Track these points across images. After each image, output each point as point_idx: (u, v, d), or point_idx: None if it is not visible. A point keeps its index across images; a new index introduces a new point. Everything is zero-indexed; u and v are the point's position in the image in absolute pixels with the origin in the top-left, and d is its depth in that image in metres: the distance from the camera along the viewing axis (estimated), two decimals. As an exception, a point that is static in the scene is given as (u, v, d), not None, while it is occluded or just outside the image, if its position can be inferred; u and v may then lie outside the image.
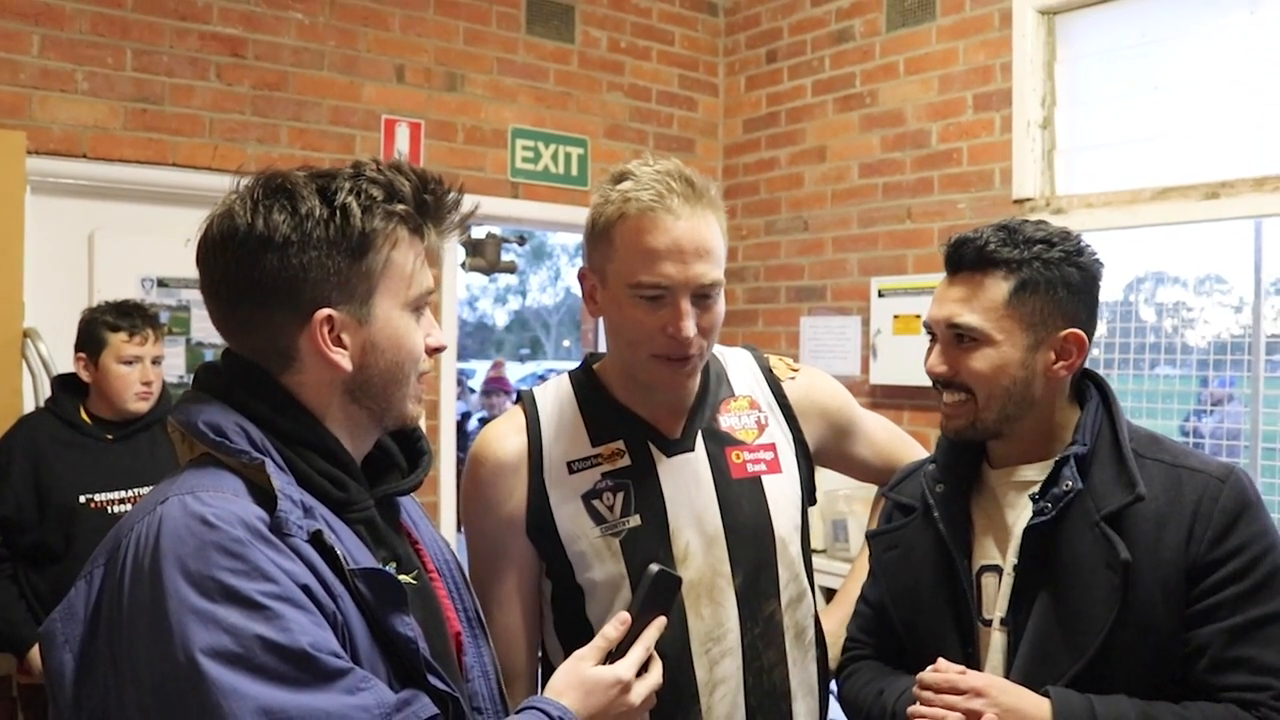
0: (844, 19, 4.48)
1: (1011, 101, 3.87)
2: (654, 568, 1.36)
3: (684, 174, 1.56)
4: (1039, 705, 1.37)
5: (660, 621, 1.35)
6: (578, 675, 1.27)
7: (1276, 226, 3.43)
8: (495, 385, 9.45)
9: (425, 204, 1.18)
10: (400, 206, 1.16)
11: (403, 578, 1.19)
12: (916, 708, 1.41)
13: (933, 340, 1.57)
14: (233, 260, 1.12)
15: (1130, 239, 3.75)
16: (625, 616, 1.33)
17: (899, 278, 4.21)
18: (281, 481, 1.08)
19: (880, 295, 4.24)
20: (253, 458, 1.09)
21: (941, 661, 1.43)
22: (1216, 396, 4.07)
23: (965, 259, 1.51)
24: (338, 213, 1.12)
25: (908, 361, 4.11)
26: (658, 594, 1.35)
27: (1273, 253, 3.49)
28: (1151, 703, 1.37)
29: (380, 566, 1.12)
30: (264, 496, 1.07)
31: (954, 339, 1.51)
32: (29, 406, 3.17)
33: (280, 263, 1.11)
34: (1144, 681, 1.39)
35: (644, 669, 1.33)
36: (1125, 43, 3.67)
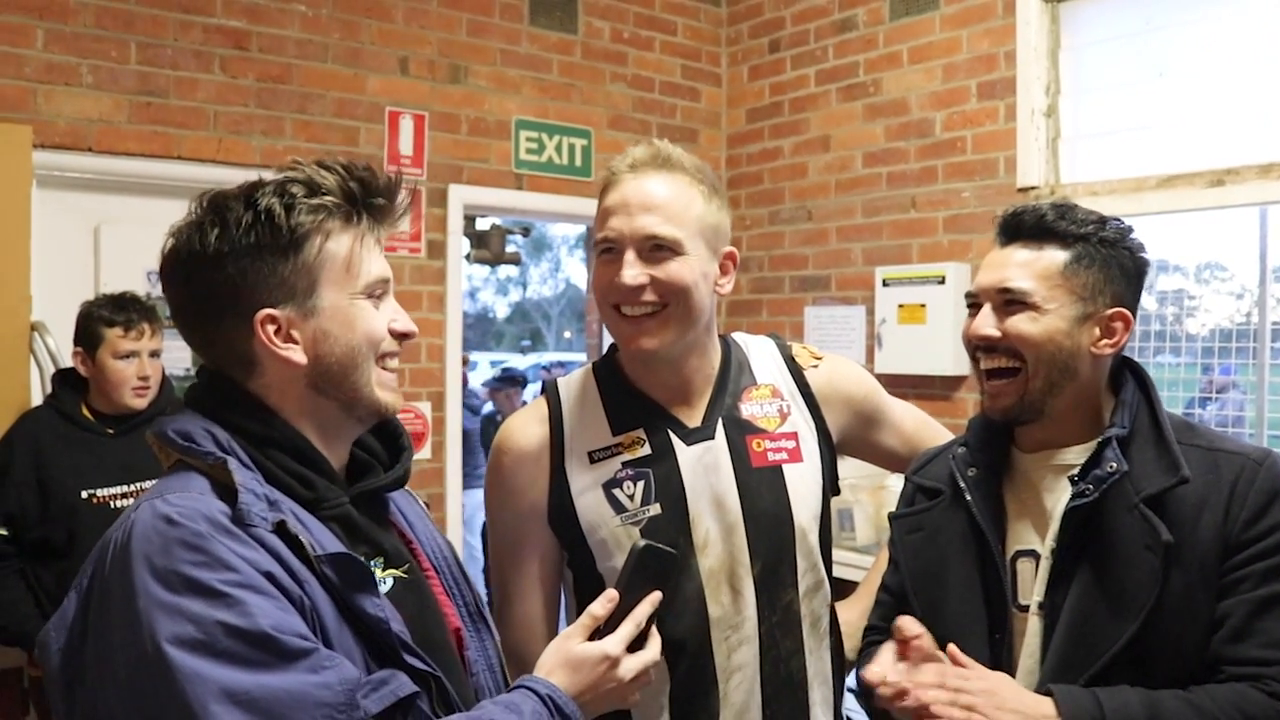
0: (847, 8, 4.47)
1: (1016, 89, 3.87)
2: (640, 543, 1.36)
3: (657, 146, 1.63)
4: (1039, 705, 1.36)
5: (654, 597, 1.34)
6: (564, 653, 1.28)
7: (1282, 214, 3.44)
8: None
9: (352, 192, 1.20)
10: (327, 199, 1.18)
11: (391, 572, 1.24)
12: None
13: (974, 310, 1.56)
14: (179, 282, 1.19)
15: (1134, 227, 3.74)
16: (612, 593, 1.33)
17: (903, 267, 4.21)
18: (243, 477, 1.12)
19: (885, 285, 4.24)
20: (217, 458, 1.13)
21: (953, 649, 1.43)
22: (1219, 384, 4.08)
23: (1024, 228, 1.53)
24: (262, 215, 1.16)
25: (913, 351, 4.12)
26: (646, 570, 1.34)
27: (1278, 239, 3.49)
28: (1157, 691, 1.36)
29: (345, 551, 1.14)
30: (229, 493, 1.11)
31: (1003, 304, 1.51)
32: (37, 400, 3.17)
33: (218, 275, 1.16)
34: (1181, 665, 1.38)
35: (641, 646, 1.33)
36: (1130, 30, 3.67)
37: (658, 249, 1.57)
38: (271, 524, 1.10)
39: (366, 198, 1.22)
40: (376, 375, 1.23)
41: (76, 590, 1.11)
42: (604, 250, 1.61)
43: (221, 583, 1.02)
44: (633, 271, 1.56)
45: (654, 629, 1.34)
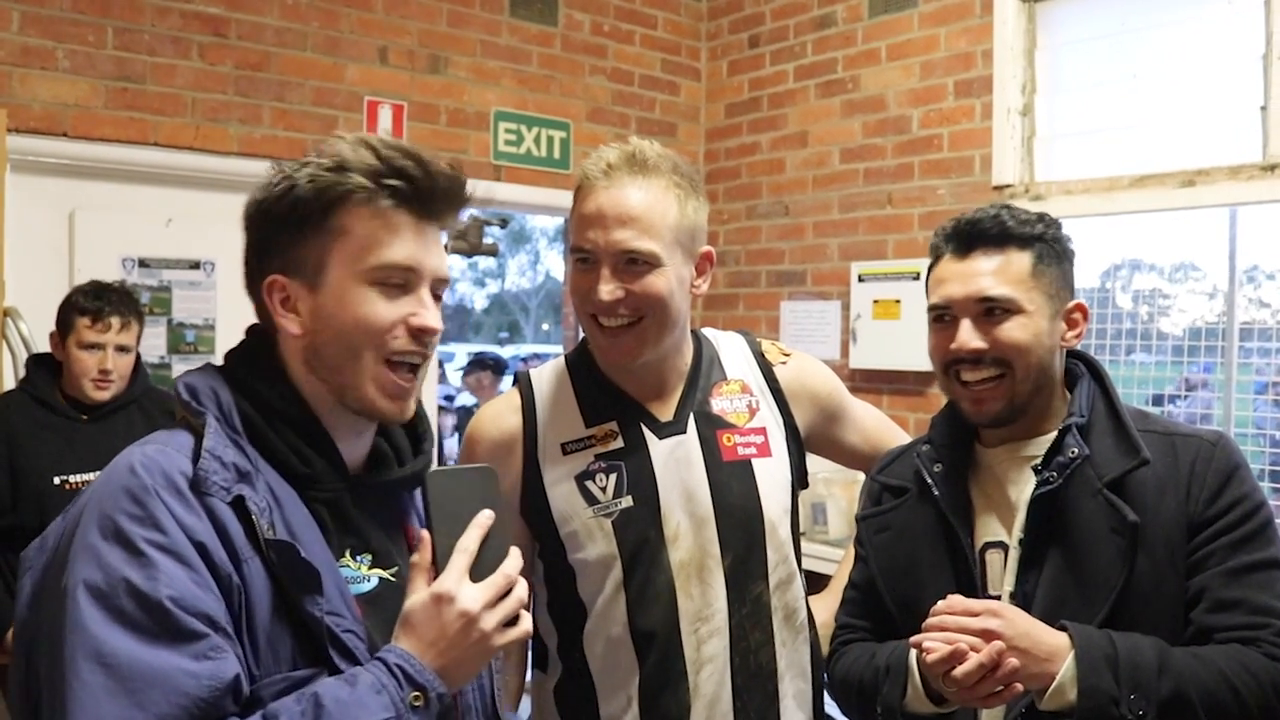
0: (826, 4, 4.49)
1: (992, 88, 3.90)
2: (429, 472, 1.17)
3: (633, 148, 1.61)
4: (1055, 635, 1.38)
5: (481, 519, 1.13)
6: (401, 618, 1.11)
7: (1251, 214, 3.48)
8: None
9: (379, 173, 1.16)
10: (354, 178, 1.15)
11: (377, 571, 1.20)
12: (920, 636, 1.38)
13: (944, 322, 1.55)
14: (244, 238, 1.23)
15: (1107, 226, 3.79)
16: (422, 534, 1.14)
17: (879, 263, 4.24)
18: (215, 442, 1.09)
19: (860, 280, 4.28)
20: (202, 419, 1.12)
21: (954, 596, 1.42)
22: (1192, 382, 4.12)
23: (987, 235, 1.52)
24: (289, 185, 1.16)
25: (887, 346, 4.15)
26: (455, 497, 1.14)
27: (1247, 240, 3.54)
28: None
29: (289, 540, 1.08)
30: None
31: (983, 313, 1.51)
32: (9, 385, 3.15)
33: (253, 235, 1.21)
34: None
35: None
36: (1105, 31, 3.71)
37: (633, 263, 1.57)
38: (231, 496, 1.07)
39: (397, 180, 1.16)
40: (375, 374, 1.17)
41: (63, 518, 1.11)
42: (579, 259, 1.61)
43: (145, 541, 1.01)
44: (609, 287, 1.56)
45: (513, 550, 1.14)
